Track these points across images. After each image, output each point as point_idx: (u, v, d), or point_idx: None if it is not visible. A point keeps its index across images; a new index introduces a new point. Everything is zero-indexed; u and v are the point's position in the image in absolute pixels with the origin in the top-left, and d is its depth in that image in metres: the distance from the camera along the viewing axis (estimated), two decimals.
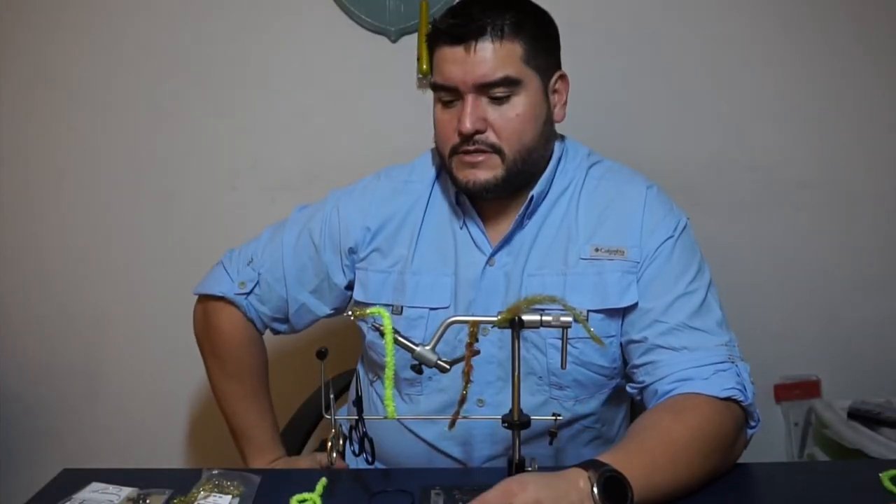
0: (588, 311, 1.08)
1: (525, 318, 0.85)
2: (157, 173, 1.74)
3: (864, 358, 1.72)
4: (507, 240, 1.14)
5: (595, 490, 0.82)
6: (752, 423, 1.03)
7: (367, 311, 0.89)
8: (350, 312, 0.92)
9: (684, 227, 1.13)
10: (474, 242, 1.15)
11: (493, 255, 1.14)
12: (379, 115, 1.68)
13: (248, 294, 1.24)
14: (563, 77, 1.15)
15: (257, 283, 1.24)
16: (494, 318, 0.86)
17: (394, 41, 1.64)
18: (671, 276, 1.08)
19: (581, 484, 0.83)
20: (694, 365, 1.02)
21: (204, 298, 1.29)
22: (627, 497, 0.84)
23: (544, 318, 0.85)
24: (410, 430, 1.16)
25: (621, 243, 1.11)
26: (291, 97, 1.69)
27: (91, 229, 1.77)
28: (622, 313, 1.10)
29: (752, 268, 1.69)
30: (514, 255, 1.14)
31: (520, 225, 1.14)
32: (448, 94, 1.09)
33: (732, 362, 1.03)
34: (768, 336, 1.71)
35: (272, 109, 1.70)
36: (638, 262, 1.10)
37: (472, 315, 1.00)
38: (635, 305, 1.08)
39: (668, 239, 1.11)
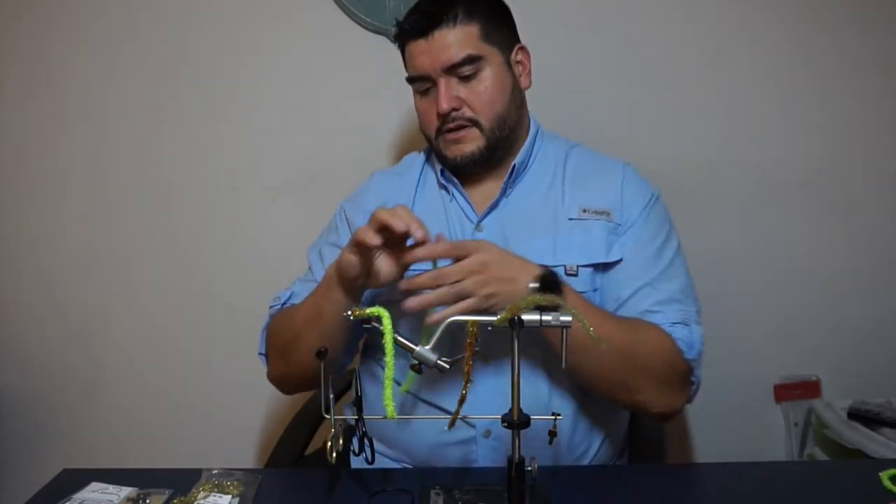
0: (578, 266, 1.15)
1: (525, 317, 0.85)
2: (157, 173, 1.74)
3: (864, 358, 1.71)
4: (493, 206, 1.22)
5: (538, 276, 1.01)
6: (693, 379, 1.13)
7: (367, 311, 0.90)
8: (350, 312, 0.92)
9: (657, 198, 1.24)
10: (463, 212, 1.23)
11: (480, 221, 1.21)
12: (379, 115, 1.68)
13: (283, 304, 1.26)
14: (522, 49, 1.25)
15: (291, 295, 1.26)
16: (494, 318, 0.87)
17: (394, 41, 1.64)
18: (643, 240, 1.18)
19: (531, 268, 1.02)
20: (658, 321, 1.12)
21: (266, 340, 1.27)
22: (559, 289, 1.00)
23: (544, 317, 0.85)
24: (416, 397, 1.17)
25: (606, 207, 1.19)
26: (291, 97, 1.69)
27: (91, 229, 1.77)
28: (604, 268, 1.17)
29: (752, 268, 1.69)
30: (503, 222, 1.21)
31: (504, 193, 1.22)
32: (423, 84, 1.20)
33: (687, 324, 1.12)
34: (768, 336, 1.71)
35: (272, 109, 1.70)
36: (620, 225, 1.19)
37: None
38: (616, 262, 1.16)
39: (644, 207, 1.21)
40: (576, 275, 1.14)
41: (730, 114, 1.65)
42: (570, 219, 1.18)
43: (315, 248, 1.31)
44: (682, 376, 1.11)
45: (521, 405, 0.88)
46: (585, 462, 1.18)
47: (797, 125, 1.65)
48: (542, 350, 1.11)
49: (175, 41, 1.69)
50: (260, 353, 1.27)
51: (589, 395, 1.16)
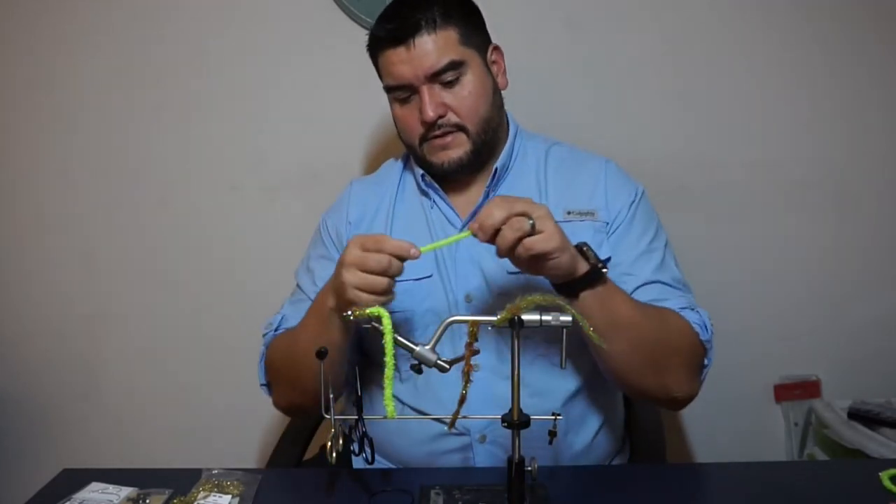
0: None
1: (525, 317, 0.85)
2: (158, 173, 1.74)
3: (863, 358, 1.71)
4: (476, 211, 1.19)
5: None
6: (706, 362, 1.12)
7: (367, 311, 0.90)
8: (350, 312, 0.91)
9: (643, 194, 1.23)
10: (445, 218, 1.22)
11: (464, 226, 1.19)
12: (379, 115, 1.68)
13: (275, 329, 1.23)
14: (496, 48, 1.23)
15: (282, 319, 1.23)
16: (494, 318, 0.86)
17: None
18: (634, 236, 1.18)
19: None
20: (668, 307, 1.12)
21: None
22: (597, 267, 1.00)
23: (544, 317, 0.85)
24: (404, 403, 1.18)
25: (590, 207, 1.18)
26: (291, 97, 1.69)
27: (91, 229, 1.77)
28: None
29: (752, 268, 1.69)
30: None
31: (487, 196, 1.20)
32: (403, 92, 1.17)
33: (693, 309, 1.13)
34: (768, 336, 1.71)
35: (272, 109, 1.70)
36: (607, 223, 1.18)
37: (453, 285, 1.16)
38: (607, 260, 1.14)
39: (631, 203, 1.20)
40: None
41: (729, 114, 1.65)
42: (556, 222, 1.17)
43: (303, 266, 1.28)
44: (700, 359, 1.12)
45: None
46: (580, 447, 1.17)
47: (797, 125, 1.64)
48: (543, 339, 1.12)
49: (175, 41, 1.68)
50: (262, 384, 1.23)
51: (586, 380, 1.16)
